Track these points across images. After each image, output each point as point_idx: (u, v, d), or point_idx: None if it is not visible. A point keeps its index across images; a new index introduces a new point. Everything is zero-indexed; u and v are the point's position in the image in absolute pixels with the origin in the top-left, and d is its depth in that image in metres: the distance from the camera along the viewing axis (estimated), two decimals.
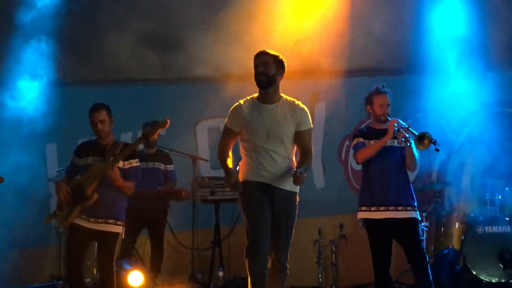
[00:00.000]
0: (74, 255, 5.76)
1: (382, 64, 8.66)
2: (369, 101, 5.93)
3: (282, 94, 5.09)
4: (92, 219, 5.73)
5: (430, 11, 8.31)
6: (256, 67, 5.04)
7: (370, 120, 6.13)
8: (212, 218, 7.90)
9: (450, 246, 7.27)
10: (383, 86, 5.98)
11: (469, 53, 8.26)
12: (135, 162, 5.91)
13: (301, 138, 5.00)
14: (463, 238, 7.00)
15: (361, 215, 5.80)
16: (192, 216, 7.78)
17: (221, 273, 7.66)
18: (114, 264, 5.82)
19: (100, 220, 5.75)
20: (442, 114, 8.52)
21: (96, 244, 5.97)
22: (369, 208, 5.77)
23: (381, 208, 5.73)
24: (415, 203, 5.78)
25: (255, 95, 5.11)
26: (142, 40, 8.61)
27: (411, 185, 5.86)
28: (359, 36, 8.36)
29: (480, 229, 6.96)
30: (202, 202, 7.89)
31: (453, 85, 8.33)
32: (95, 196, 5.68)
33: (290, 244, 4.96)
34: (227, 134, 5.14)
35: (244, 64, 8.30)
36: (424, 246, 6.48)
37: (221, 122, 8.91)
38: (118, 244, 5.94)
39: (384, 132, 5.75)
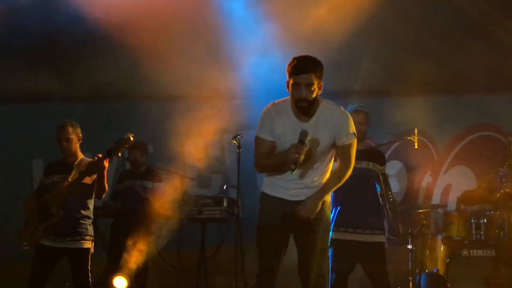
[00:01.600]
0: (37, 275, 5.82)
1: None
2: None
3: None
4: (59, 239, 5.78)
5: None
6: (296, 87, 4.37)
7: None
8: (198, 237, 7.87)
9: (435, 269, 7.28)
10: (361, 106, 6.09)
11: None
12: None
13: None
14: (448, 261, 7.01)
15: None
16: (178, 234, 7.74)
17: None
18: (90, 280, 5.85)
19: (67, 238, 5.79)
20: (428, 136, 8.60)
21: (68, 263, 5.95)
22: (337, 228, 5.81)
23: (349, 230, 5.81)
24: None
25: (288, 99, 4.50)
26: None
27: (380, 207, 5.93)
28: None
29: (465, 253, 6.98)
30: (189, 221, 7.85)
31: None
32: (60, 213, 5.70)
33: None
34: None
35: (231, 81, 8.40)
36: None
37: (209, 141, 9.06)
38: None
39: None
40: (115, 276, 6.75)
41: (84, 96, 9.09)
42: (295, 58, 4.40)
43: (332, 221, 5.81)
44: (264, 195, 4.59)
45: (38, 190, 6.10)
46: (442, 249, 7.42)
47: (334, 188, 4.58)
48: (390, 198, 6.06)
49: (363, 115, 6.05)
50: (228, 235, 7.38)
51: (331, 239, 5.62)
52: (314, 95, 4.35)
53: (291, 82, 4.38)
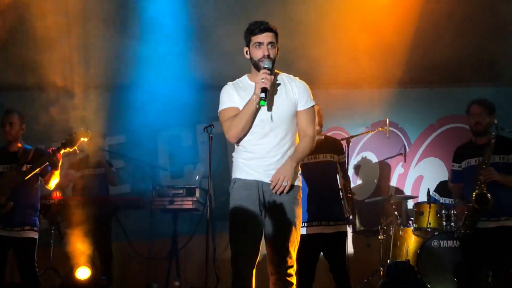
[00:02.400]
0: None
1: None
2: None
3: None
4: (8, 228, 5.78)
5: None
6: (259, 47, 4.35)
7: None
8: (170, 227, 7.85)
9: (406, 259, 7.33)
10: None
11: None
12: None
13: None
14: (418, 251, 7.06)
15: None
16: (149, 225, 7.71)
17: (177, 283, 7.59)
18: (36, 269, 5.89)
19: (16, 228, 5.81)
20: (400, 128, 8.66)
21: (14, 252, 5.95)
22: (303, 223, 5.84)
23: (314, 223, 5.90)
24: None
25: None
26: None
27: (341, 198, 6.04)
28: None
29: (435, 243, 7.03)
30: (161, 211, 7.82)
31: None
32: (10, 204, 5.69)
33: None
34: None
35: (209, 72, 8.37)
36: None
37: (181, 131, 9.04)
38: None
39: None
40: (77, 268, 6.70)
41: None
42: (253, 21, 4.41)
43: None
44: (235, 181, 4.45)
45: None
46: (413, 239, 7.47)
47: (305, 154, 4.46)
48: (348, 190, 6.15)
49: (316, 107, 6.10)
50: (200, 225, 7.36)
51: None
52: (276, 56, 4.37)
53: (252, 42, 4.37)
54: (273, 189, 4.29)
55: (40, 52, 7.80)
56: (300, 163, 4.48)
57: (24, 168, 5.72)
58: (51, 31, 7.63)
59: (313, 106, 4.52)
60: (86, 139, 5.82)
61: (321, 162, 6.04)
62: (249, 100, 4.30)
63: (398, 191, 8.51)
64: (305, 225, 5.89)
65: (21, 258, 5.88)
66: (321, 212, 5.92)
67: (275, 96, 4.40)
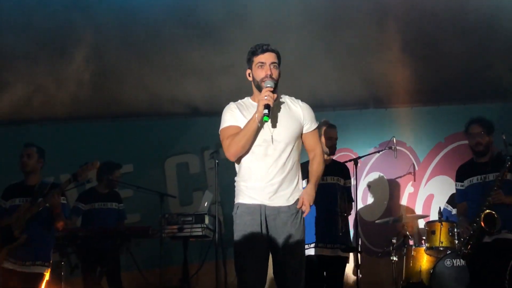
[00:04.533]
0: None
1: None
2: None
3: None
4: (19, 262, 5.76)
5: None
6: (261, 67, 4.38)
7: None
8: (180, 255, 7.80)
9: (419, 280, 7.26)
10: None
11: None
12: (61, 200, 5.98)
13: None
14: (431, 271, 6.99)
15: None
16: (159, 253, 7.67)
17: None
18: None
19: (27, 263, 5.79)
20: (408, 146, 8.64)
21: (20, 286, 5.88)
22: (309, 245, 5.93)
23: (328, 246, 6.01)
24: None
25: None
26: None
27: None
28: None
29: (448, 262, 6.96)
30: (171, 239, 7.78)
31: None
32: (23, 237, 5.68)
33: None
34: None
35: (212, 99, 8.39)
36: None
37: (189, 158, 9.04)
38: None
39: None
40: None
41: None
42: (255, 44, 4.45)
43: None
44: (238, 206, 4.42)
45: None
46: (425, 259, 7.40)
47: (320, 174, 4.52)
48: (344, 211, 6.19)
49: (336, 131, 6.32)
50: (210, 251, 7.32)
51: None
52: (278, 78, 4.38)
53: (255, 63, 4.39)
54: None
55: None
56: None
57: (38, 202, 5.72)
58: None
59: (317, 127, 4.56)
60: (95, 170, 5.85)
61: (328, 184, 6.08)
62: (251, 118, 4.28)
63: (409, 210, 8.45)
64: (312, 246, 5.91)
65: None
66: (329, 234, 5.92)
67: (278, 117, 4.39)
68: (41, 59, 8.04)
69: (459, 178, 6.24)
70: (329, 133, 6.29)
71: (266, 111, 4.17)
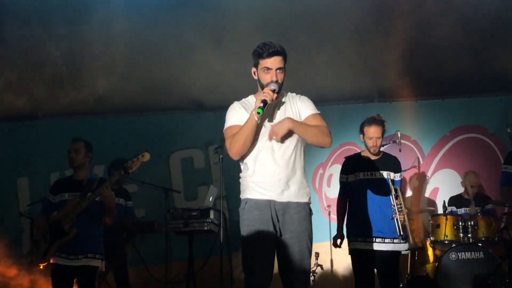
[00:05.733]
0: None
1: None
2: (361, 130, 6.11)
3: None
4: (72, 256, 5.74)
5: None
6: (267, 72, 4.34)
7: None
8: (186, 250, 7.82)
9: (425, 273, 7.27)
10: (378, 115, 6.12)
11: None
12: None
13: None
14: (436, 264, 7.00)
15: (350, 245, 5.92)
16: (165, 248, 7.68)
17: None
18: None
19: (80, 256, 5.76)
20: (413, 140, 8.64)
21: (76, 280, 5.87)
22: (356, 238, 5.88)
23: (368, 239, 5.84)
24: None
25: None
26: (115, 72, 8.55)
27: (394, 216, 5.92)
28: None
29: (453, 256, 6.97)
30: (176, 234, 7.79)
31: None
32: (74, 231, 5.68)
33: None
34: None
35: (218, 94, 8.39)
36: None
37: (194, 153, 9.06)
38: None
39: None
40: None
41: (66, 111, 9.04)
42: (261, 43, 4.36)
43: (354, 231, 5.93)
44: (247, 201, 4.39)
45: (45, 209, 6.00)
46: (430, 252, 7.41)
47: (309, 130, 4.33)
48: (399, 209, 5.97)
49: (374, 129, 6.10)
50: (216, 246, 7.33)
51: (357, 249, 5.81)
52: (283, 81, 4.35)
53: (261, 66, 4.35)
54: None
55: None
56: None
57: (88, 197, 5.71)
58: None
59: (319, 114, 4.47)
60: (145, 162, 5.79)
61: (377, 179, 5.99)
62: (249, 117, 4.28)
63: (414, 204, 8.45)
64: (359, 240, 5.87)
65: (82, 286, 5.80)
66: (377, 228, 5.86)
67: (280, 112, 4.40)
68: None
69: (509, 160, 6.49)
70: (367, 133, 6.12)
71: (261, 104, 4.18)
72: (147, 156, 5.70)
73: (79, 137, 6.07)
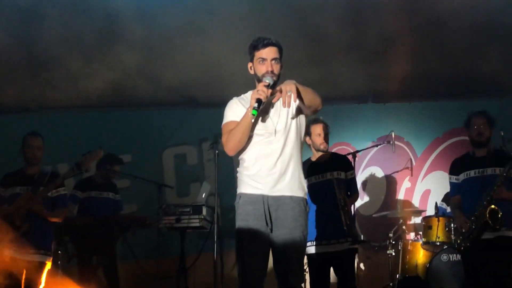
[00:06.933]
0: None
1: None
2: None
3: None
4: (22, 250, 5.70)
5: None
6: (262, 62, 4.35)
7: None
8: (177, 246, 7.81)
9: (415, 274, 7.28)
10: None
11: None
12: (62, 190, 6.00)
13: None
14: (427, 266, 7.01)
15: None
16: (156, 244, 7.68)
17: None
18: None
19: (31, 251, 5.73)
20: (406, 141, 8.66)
21: (24, 274, 5.80)
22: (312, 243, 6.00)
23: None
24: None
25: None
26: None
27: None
28: None
29: (444, 257, 6.98)
30: (168, 229, 7.79)
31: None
32: (27, 225, 5.65)
33: None
34: None
35: (211, 90, 8.39)
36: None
37: (187, 149, 9.05)
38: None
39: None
40: None
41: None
42: (257, 37, 4.40)
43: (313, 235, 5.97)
44: (241, 196, 4.41)
45: None
46: (422, 254, 7.42)
47: (309, 92, 4.31)
48: (345, 205, 6.11)
49: (320, 126, 6.23)
50: (208, 243, 7.32)
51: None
52: (279, 72, 4.35)
53: (256, 58, 4.37)
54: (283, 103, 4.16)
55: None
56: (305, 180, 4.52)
57: (40, 191, 5.69)
58: None
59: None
60: (98, 159, 5.82)
61: (324, 181, 6.09)
62: (245, 113, 4.28)
63: (406, 205, 8.47)
64: (314, 243, 5.91)
65: (29, 282, 5.76)
66: (330, 230, 5.92)
67: (278, 108, 4.39)
68: None
69: (454, 171, 6.23)
70: (317, 129, 6.24)
71: (256, 105, 4.17)
72: (100, 153, 5.80)
73: (37, 132, 6.03)
